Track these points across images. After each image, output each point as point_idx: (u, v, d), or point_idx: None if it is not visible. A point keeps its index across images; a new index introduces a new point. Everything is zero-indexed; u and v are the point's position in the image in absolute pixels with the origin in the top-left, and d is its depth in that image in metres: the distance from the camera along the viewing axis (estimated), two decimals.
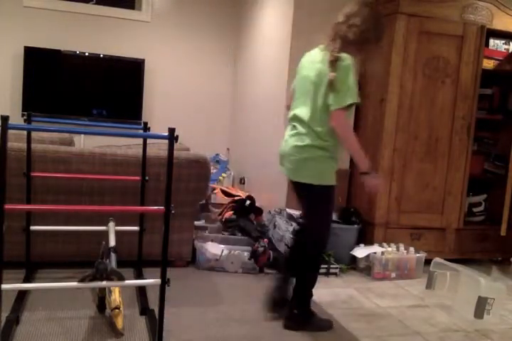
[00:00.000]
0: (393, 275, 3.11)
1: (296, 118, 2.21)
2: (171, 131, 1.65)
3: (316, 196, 2.18)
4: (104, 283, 1.74)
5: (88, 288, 2.41)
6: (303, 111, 2.17)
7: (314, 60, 2.19)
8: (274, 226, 3.19)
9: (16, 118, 4.33)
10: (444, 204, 3.40)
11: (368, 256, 3.14)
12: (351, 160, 3.66)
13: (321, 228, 2.23)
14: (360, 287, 2.91)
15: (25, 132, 2.56)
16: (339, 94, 2.03)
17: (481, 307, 2.40)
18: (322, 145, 2.11)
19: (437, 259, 2.85)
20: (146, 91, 4.75)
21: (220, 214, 3.60)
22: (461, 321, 2.46)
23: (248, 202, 3.50)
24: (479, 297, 2.38)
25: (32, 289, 2.36)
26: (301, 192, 2.22)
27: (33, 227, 2.47)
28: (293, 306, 2.23)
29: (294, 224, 3.20)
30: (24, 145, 2.51)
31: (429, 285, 2.88)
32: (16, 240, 2.55)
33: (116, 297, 2.05)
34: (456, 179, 3.38)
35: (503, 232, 3.38)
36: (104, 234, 2.29)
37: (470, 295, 2.48)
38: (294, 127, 2.21)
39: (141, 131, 2.61)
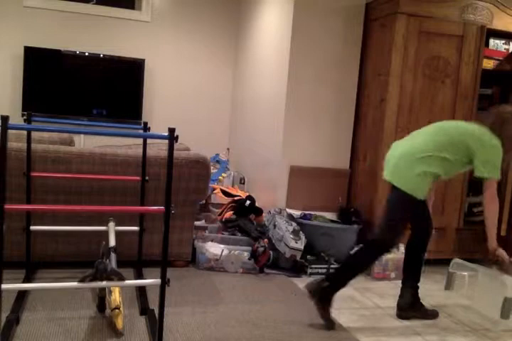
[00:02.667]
0: (393, 275, 3.11)
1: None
2: (171, 131, 1.65)
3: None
4: (104, 283, 1.74)
5: (88, 288, 2.41)
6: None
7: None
8: (274, 226, 3.19)
9: (16, 118, 4.36)
10: (444, 204, 3.40)
11: None
12: (351, 160, 3.67)
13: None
14: (360, 287, 2.91)
15: (25, 132, 2.56)
16: (495, 167, 2.22)
17: (508, 307, 2.39)
18: None
19: (457, 260, 2.84)
20: (146, 91, 4.75)
21: (220, 214, 3.60)
22: (464, 321, 2.46)
23: (248, 202, 3.50)
24: (506, 298, 2.38)
25: (32, 289, 2.36)
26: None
27: (33, 227, 2.47)
28: (329, 279, 2.26)
29: (294, 224, 3.20)
30: (24, 145, 2.51)
31: (448, 285, 2.87)
32: (16, 240, 2.56)
33: (116, 297, 2.05)
34: (456, 179, 3.38)
35: (503, 232, 3.38)
36: (104, 234, 2.29)
37: (491, 296, 2.49)
38: None
39: (141, 131, 2.61)
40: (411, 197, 2.25)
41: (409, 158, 2.27)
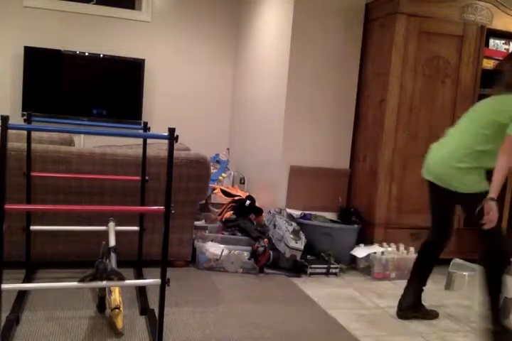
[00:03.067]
0: (393, 275, 3.11)
1: None
2: (171, 131, 1.65)
3: None
4: (104, 283, 1.74)
5: (88, 288, 2.41)
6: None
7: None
8: (274, 226, 3.19)
9: (16, 118, 4.36)
10: None
11: (368, 256, 3.14)
12: (351, 160, 3.67)
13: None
14: (360, 287, 2.91)
15: (25, 132, 2.56)
16: None
17: (508, 307, 2.39)
18: None
19: (457, 260, 2.84)
20: (146, 91, 4.75)
21: (220, 214, 3.60)
22: (464, 321, 2.46)
23: (248, 202, 3.50)
24: (506, 298, 2.38)
25: (32, 289, 2.36)
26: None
27: (33, 227, 2.47)
28: (492, 321, 2.19)
29: (294, 224, 3.20)
30: (24, 145, 2.51)
31: (448, 286, 2.87)
32: (16, 240, 2.55)
33: (116, 297, 2.05)
34: None
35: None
36: (104, 234, 2.29)
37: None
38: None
39: (141, 131, 2.61)
40: (481, 195, 2.17)
41: (453, 155, 2.24)
